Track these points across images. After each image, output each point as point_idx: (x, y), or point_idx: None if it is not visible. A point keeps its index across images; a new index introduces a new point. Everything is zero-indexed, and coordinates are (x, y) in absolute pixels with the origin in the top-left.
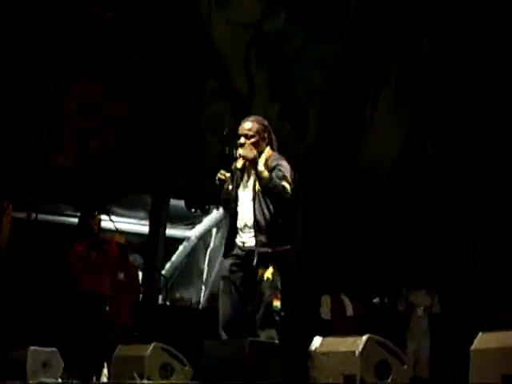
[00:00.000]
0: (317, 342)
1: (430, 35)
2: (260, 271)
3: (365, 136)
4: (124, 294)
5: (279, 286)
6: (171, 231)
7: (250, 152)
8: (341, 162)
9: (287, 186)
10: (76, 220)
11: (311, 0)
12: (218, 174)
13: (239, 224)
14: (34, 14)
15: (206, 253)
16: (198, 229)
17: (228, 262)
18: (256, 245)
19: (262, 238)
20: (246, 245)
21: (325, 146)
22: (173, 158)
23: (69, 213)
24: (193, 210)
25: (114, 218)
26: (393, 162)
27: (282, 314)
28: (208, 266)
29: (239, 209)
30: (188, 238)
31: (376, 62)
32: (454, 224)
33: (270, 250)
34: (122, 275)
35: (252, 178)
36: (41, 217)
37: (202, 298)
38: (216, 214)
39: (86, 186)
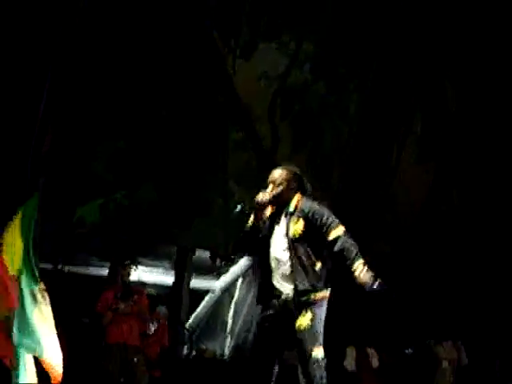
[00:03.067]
0: None
1: (456, 85)
2: (298, 322)
3: (390, 185)
4: (152, 346)
5: (320, 332)
6: (196, 282)
7: (263, 196)
8: (366, 210)
9: (343, 228)
10: (101, 271)
11: (335, 51)
12: (259, 195)
13: (274, 274)
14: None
15: (230, 304)
16: (223, 280)
17: (264, 312)
18: (296, 294)
19: (301, 286)
20: (283, 295)
21: (350, 194)
22: (197, 208)
23: (95, 263)
24: (217, 261)
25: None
26: (419, 212)
27: (325, 362)
28: (233, 317)
29: (273, 258)
30: (213, 290)
31: (400, 111)
32: (480, 274)
33: (311, 299)
34: (152, 327)
35: (283, 226)
36: (67, 268)
37: (226, 350)
38: (241, 264)
39: (113, 238)
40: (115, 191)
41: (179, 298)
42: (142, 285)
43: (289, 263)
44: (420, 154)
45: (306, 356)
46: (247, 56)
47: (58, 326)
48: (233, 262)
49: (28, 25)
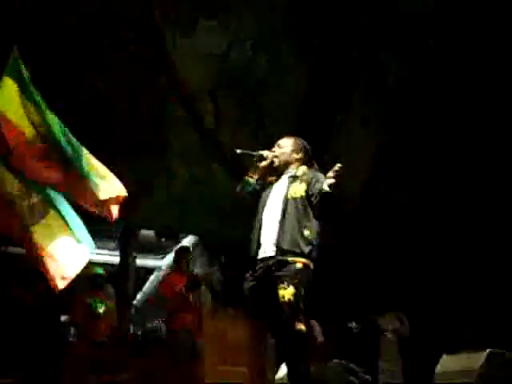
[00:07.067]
0: (283, 370)
1: (397, 58)
2: (280, 292)
3: (332, 162)
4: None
5: (302, 307)
6: (142, 261)
7: (266, 152)
8: None
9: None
10: None
11: (276, 27)
12: (264, 151)
13: (262, 236)
14: None
15: None
16: (169, 258)
17: (248, 282)
18: (277, 252)
19: (284, 245)
20: (266, 257)
21: None
22: (141, 188)
23: None
24: (163, 239)
25: None
26: (361, 188)
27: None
28: None
29: (264, 219)
30: (159, 268)
31: (342, 86)
32: (421, 247)
33: (290, 260)
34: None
35: (283, 187)
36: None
37: None
38: (187, 242)
39: None
40: None
41: (125, 276)
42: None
43: (278, 223)
44: (362, 128)
45: (288, 329)
46: (188, 33)
47: None
48: (178, 241)
49: None
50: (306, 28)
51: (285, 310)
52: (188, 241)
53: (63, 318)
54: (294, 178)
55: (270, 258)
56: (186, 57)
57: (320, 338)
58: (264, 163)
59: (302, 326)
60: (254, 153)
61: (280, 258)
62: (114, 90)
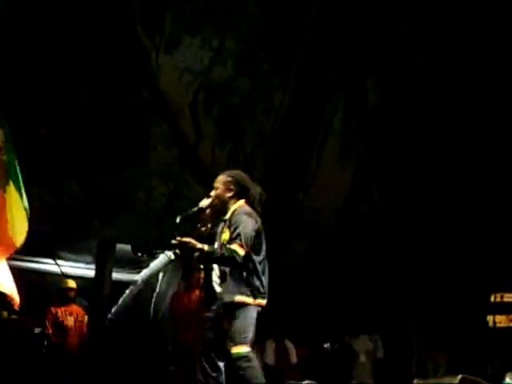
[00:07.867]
0: None
1: (378, 83)
2: (224, 325)
3: (311, 184)
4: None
5: (240, 332)
6: (118, 275)
7: (204, 201)
8: (287, 208)
9: (237, 249)
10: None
11: (259, 47)
12: (202, 200)
13: (214, 277)
14: None
15: (152, 296)
16: (145, 272)
17: (207, 315)
18: (221, 297)
19: (225, 289)
20: (218, 299)
21: (271, 192)
22: (118, 202)
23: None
24: (139, 254)
25: (59, 262)
26: (339, 210)
27: (247, 359)
28: (154, 309)
29: (214, 269)
30: (134, 282)
31: (322, 108)
32: (397, 270)
33: (234, 301)
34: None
35: (219, 233)
36: None
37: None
38: (163, 258)
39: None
40: (36, 185)
41: (100, 290)
42: (65, 278)
43: (218, 269)
44: (341, 151)
45: (226, 354)
46: (170, 50)
47: None
48: (153, 257)
49: None
50: (286, 48)
51: (225, 337)
52: (163, 257)
53: (36, 330)
54: (225, 222)
55: (221, 302)
56: (168, 74)
57: (293, 360)
58: (206, 213)
59: (237, 350)
60: (193, 210)
61: (223, 301)
62: (97, 104)
